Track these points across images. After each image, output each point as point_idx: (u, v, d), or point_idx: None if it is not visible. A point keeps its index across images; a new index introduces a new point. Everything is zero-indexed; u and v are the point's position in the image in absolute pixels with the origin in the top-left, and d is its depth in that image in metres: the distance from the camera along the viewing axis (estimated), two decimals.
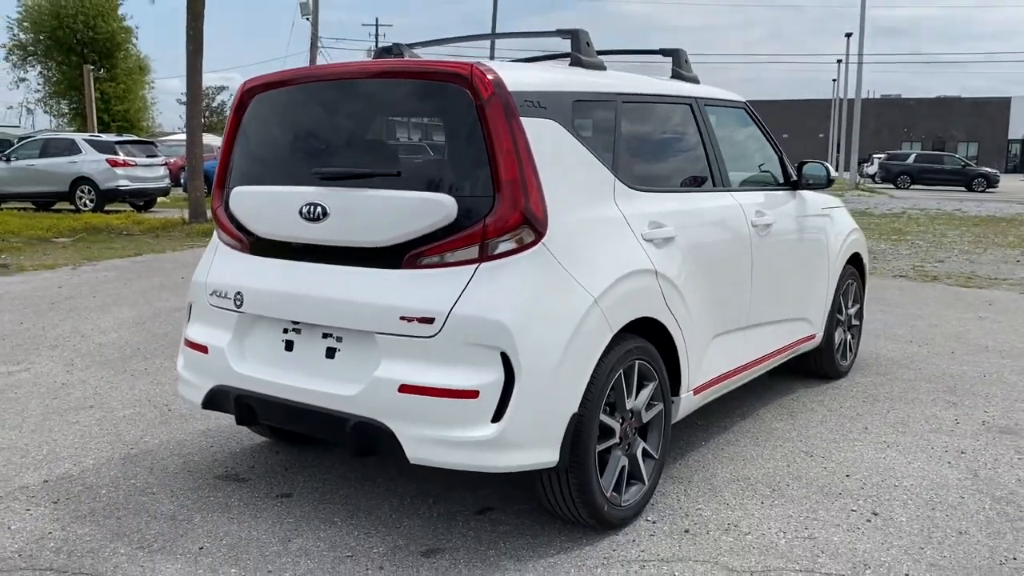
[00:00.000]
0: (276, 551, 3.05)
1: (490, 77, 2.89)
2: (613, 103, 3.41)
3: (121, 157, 18.26)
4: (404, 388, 2.83)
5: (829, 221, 5.02)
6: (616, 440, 3.18)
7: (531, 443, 2.83)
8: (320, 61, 39.29)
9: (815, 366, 5.22)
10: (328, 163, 3.17)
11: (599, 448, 3.09)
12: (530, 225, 2.87)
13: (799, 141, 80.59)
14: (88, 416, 4.56)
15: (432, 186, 2.94)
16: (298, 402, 3.09)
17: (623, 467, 3.22)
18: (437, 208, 2.88)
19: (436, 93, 3.02)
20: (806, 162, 4.72)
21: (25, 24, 45.15)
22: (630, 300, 3.12)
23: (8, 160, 19.10)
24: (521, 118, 2.91)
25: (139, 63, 48.21)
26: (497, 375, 2.78)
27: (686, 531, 3.24)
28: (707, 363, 3.77)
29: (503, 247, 2.86)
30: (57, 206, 19.14)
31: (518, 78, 2.99)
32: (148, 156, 19.13)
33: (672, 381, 3.50)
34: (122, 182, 18.16)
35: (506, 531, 3.21)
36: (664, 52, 4.24)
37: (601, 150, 3.28)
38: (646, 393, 3.32)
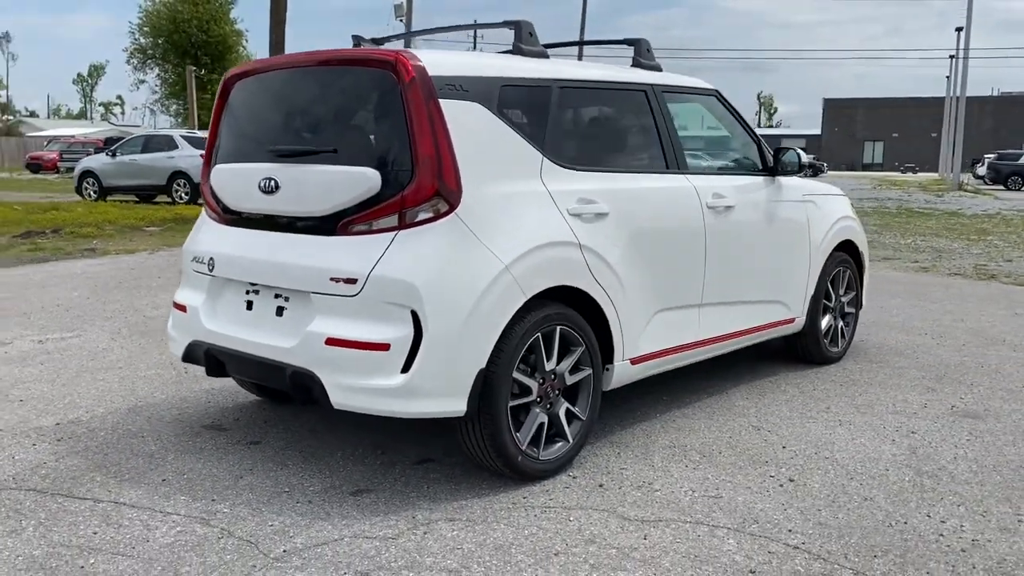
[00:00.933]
0: (226, 485, 3.45)
1: (412, 63, 3.22)
2: (549, 88, 3.67)
3: None
4: (330, 341, 3.18)
5: (813, 207, 5.12)
6: (534, 398, 3.44)
7: (438, 393, 3.13)
8: None
9: (801, 351, 5.32)
10: (281, 142, 3.55)
11: (515, 403, 3.36)
12: (443, 197, 3.17)
13: (909, 141, 77.65)
14: (113, 375, 5.08)
15: (361, 161, 3.28)
16: (253, 355, 3.48)
17: (541, 424, 3.48)
18: (364, 181, 3.22)
19: (368, 78, 3.37)
20: (782, 149, 4.85)
21: (145, 29, 47.83)
22: (546, 269, 3.38)
23: (113, 155, 20.51)
24: (440, 100, 3.22)
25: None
26: (407, 331, 3.10)
27: (600, 485, 3.48)
28: (649, 336, 3.98)
29: (420, 216, 3.18)
30: (158, 199, 20.36)
31: (441, 64, 3.30)
32: None
33: (606, 350, 3.73)
34: None
35: (436, 479, 3.52)
36: (627, 42, 4.46)
37: (531, 131, 3.55)
38: (572, 358, 3.57)
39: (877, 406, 4.61)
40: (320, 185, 3.33)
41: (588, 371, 3.66)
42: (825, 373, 5.27)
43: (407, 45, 4.96)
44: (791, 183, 4.99)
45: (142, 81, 54.43)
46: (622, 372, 3.87)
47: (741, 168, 4.80)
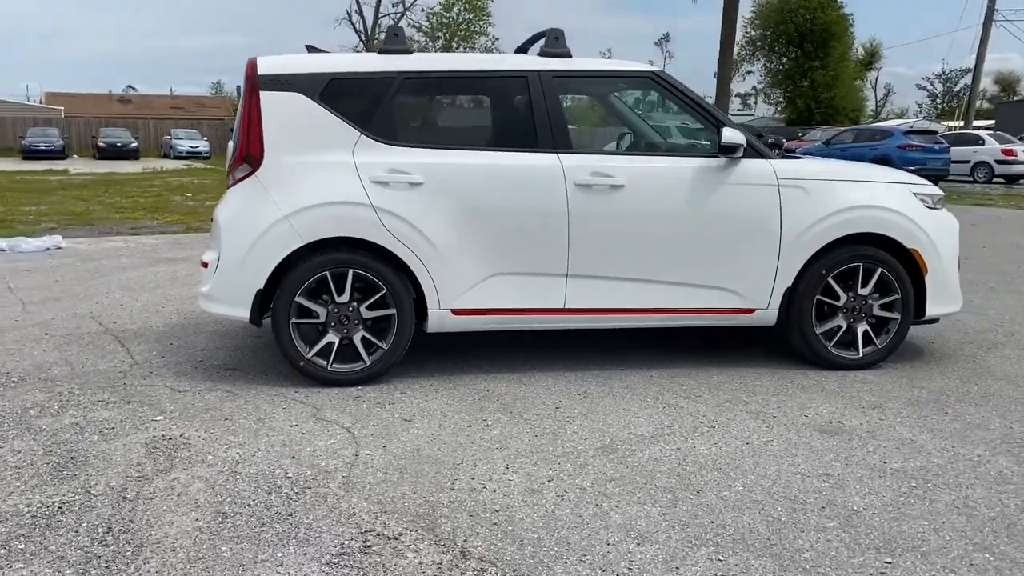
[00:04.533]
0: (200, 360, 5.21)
1: (251, 64, 4.52)
2: (389, 79, 4.56)
3: None
4: (202, 264, 4.71)
5: (794, 193, 4.75)
6: (322, 321, 4.48)
7: (228, 302, 4.45)
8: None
9: (797, 349, 4.98)
10: None
11: (305, 322, 4.46)
12: (248, 163, 4.45)
13: None
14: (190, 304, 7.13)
15: (236, 138, 4.70)
16: None
17: (331, 343, 4.50)
18: (231, 150, 4.66)
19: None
20: (733, 130, 4.69)
21: (756, 22, 50.57)
22: (328, 222, 4.38)
23: (617, 145, 23.29)
24: (261, 92, 4.47)
25: (846, 50, 49.78)
26: (216, 255, 4.49)
27: (357, 397, 4.38)
28: (481, 294, 4.57)
29: (239, 175, 4.51)
30: None
31: (273, 65, 4.53)
32: None
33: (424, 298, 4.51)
34: None
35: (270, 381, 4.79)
36: (538, 35, 4.89)
37: (355, 114, 4.52)
38: (373, 298, 4.49)
39: (754, 405, 4.34)
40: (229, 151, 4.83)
41: (393, 310, 4.51)
42: (789, 370, 4.85)
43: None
44: (755, 167, 4.75)
45: (749, 72, 57.48)
46: (443, 319, 4.57)
47: (674, 150, 4.81)
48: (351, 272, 4.44)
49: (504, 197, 4.55)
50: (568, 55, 4.80)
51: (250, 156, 4.45)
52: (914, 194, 4.94)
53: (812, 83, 48.09)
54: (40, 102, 57.09)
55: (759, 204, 4.74)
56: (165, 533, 2.90)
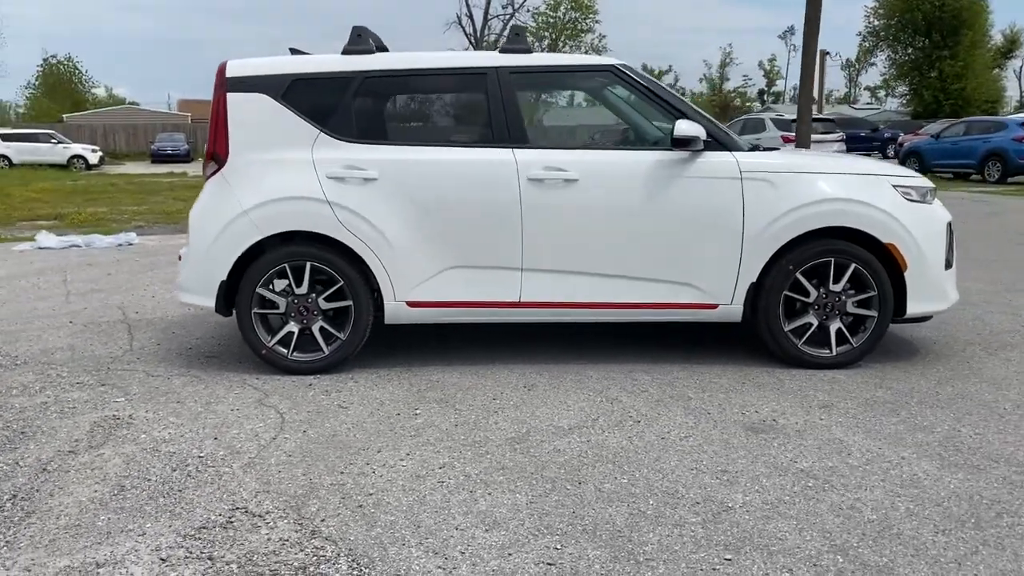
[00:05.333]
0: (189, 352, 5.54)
1: (222, 68, 4.77)
2: (349, 79, 4.72)
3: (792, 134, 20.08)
4: (179, 257, 5.01)
5: (758, 186, 4.62)
6: (282, 311, 4.69)
7: (196, 291, 4.72)
8: None
9: (769, 347, 4.86)
10: None
11: (263, 311, 4.69)
12: (216, 160, 4.71)
13: None
14: None
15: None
16: None
17: (291, 332, 4.70)
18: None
19: None
20: (690, 122, 4.62)
21: (880, 11, 48.66)
22: (284, 216, 4.57)
23: None
24: (228, 93, 4.71)
25: (980, 38, 47.35)
26: (186, 248, 4.77)
27: (310, 385, 4.56)
28: (435, 287, 4.68)
29: (209, 172, 4.77)
30: None
31: (241, 67, 4.75)
32: (823, 132, 20.52)
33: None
34: None
35: (214, 364, 5.03)
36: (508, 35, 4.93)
37: (315, 112, 4.70)
38: (331, 290, 4.67)
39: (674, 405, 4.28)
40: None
41: (349, 302, 4.68)
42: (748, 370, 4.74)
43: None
44: (717, 160, 4.66)
45: (871, 64, 55.30)
46: (397, 311, 4.70)
47: (635, 143, 4.78)
48: (309, 265, 4.62)
49: (457, 192, 4.63)
50: (528, 51, 4.83)
51: (216, 154, 4.69)
52: (894, 186, 4.73)
53: (940, 74, 45.75)
54: (174, 109, 60.57)
55: (720, 197, 4.65)
56: (59, 502, 3.13)
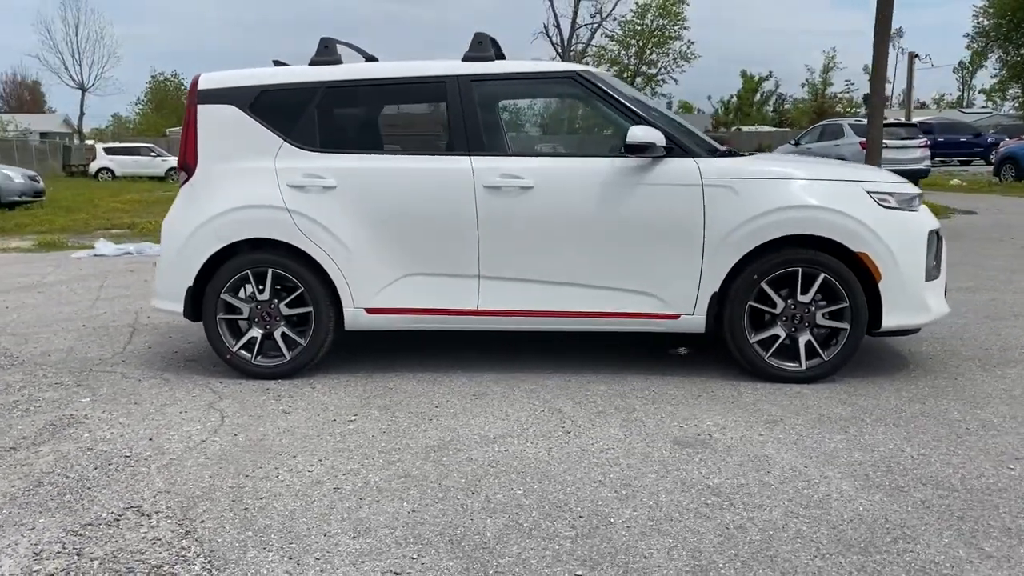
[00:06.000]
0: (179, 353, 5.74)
1: (195, 81, 4.94)
2: (313, 89, 4.81)
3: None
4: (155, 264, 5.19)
5: (721, 194, 4.48)
6: (246, 316, 4.81)
7: (167, 297, 4.88)
8: None
9: (736, 359, 4.71)
10: None
11: (229, 316, 4.81)
12: (185, 170, 4.87)
13: None
14: None
15: None
16: None
17: (254, 337, 4.81)
18: None
19: None
20: (641, 128, 4.51)
21: (990, 11, 46.65)
22: (244, 224, 4.69)
23: (796, 144, 22.18)
24: (199, 105, 4.87)
25: None
26: (161, 255, 4.95)
27: (267, 389, 4.65)
28: (394, 294, 4.71)
29: (181, 181, 4.94)
30: None
31: (212, 80, 4.90)
32: (906, 138, 19.70)
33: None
34: None
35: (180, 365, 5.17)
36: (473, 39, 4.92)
37: (280, 123, 4.81)
38: (292, 296, 4.76)
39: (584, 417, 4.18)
40: None
41: (310, 309, 4.76)
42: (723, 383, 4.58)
43: None
44: (677, 166, 4.54)
45: (981, 66, 53.01)
46: (356, 318, 4.75)
47: (595, 149, 4.71)
48: (271, 271, 4.72)
49: (414, 199, 4.65)
50: (490, 59, 4.81)
51: (185, 164, 4.85)
52: (869, 192, 4.51)
53: None
54: None
55: (679, 204, 4.53)
56: None
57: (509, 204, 4.59)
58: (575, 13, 50.37)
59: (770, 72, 74.98)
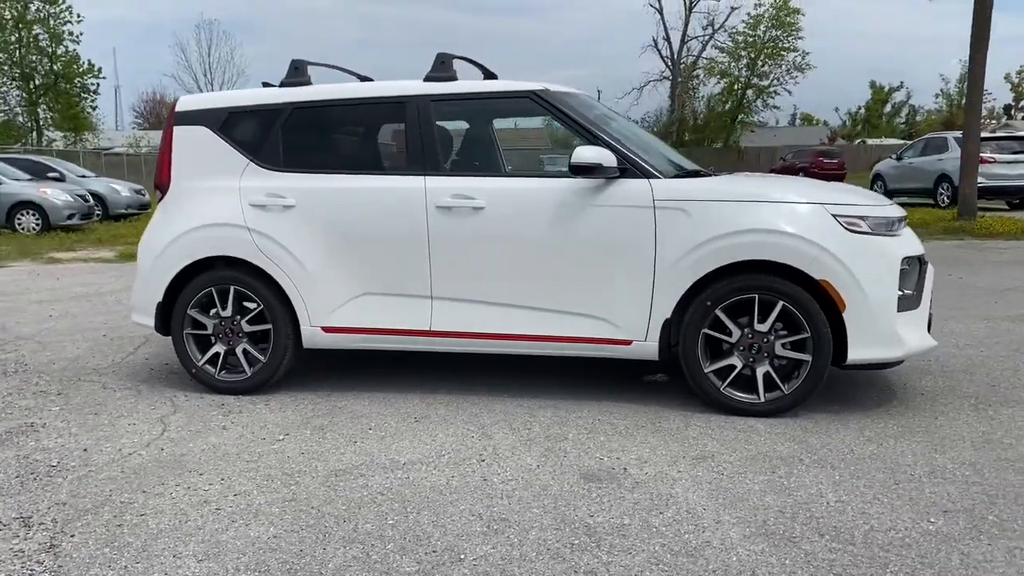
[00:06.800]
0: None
1: (174, 103, 5.12)
2: (278, 110, 4.90)
3: (985, 154, 18.12)
4: None
5: (674, 216, 4.29)
6: (210, 332, 4.93)
7: (142, 311, 5.05)
8: None
9: (693, 390, 4.51)
10: None
11: (195, 332, 4.95)
12: (160, 188, 5.05)
13: None
14: None
15: None
16: None
17: (218, 353, 4.92)
18: None
19: None
20: (584, 150, 4.37)
21: None
22: (207, 242, 4.81)
23: (899, 158, 21.14)
24: (175, 127, 5.04)
25: None
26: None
27: (222, 404, 4.75)
28: (349, 313, 4.74)
29: (159, 200, 5.13)
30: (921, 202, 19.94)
31: (188, 102, 5.07)
32: (1018, 152, 18.48)
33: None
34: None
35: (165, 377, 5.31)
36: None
37: (247, 143, 4.91)
38: (252, 313, 4.86)
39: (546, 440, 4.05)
40: None
41: (269, 326, 4.84)
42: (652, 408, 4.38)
43: None
44: (630, 187, 4.38)
45: None
46: (313, 336, 4.79)
47: (549, 170, 4.61)
48: (232, 289, 4.82)
49: (368, 219, 4.66)
50: (452, 79, 4.78)
51: (160, 183, 5.01)
52: (836, 216, 4.22)
53: None
54: None
55: (630, 227, 4.37)
56: None
57: (460, 225, 4.53)
58: (685, 25, 49.70)
59: (901, 82, 71.71)
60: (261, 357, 4.84)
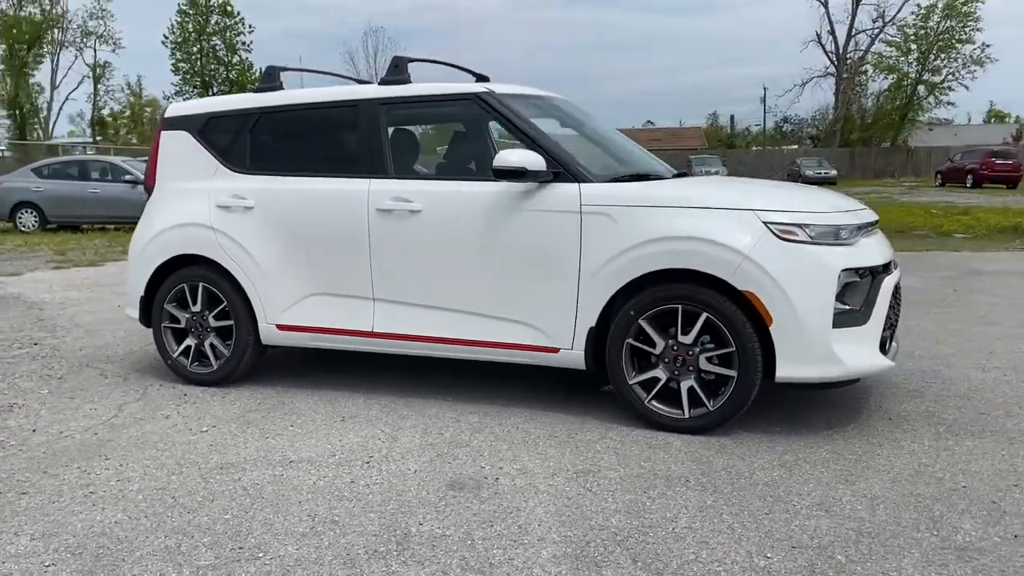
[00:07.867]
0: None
1: (165, 109, 5.45)
2: (249, 115, 5.11)
3: None
4: None
5: (599, 221, 4.15)
6: (183, 327, 5.22)
7: (130, 305, 5.42)
8: None
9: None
10: None
11: (173, 326, 5.25)
12: (147, 189, 5.39)
13: None
14: None
15: None
16: None
17: (189, 347, 5.20)
18: None
19: None
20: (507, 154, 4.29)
21: None
22: (178, 241, 5.08)
23: None
24: (162, 131, 5.37)
25: None
26: None
27: (184, 395, 5.02)
28: (300, 312, 4.88)
29: (146, 199, 5.47)
30: None
31: (176, 109, 5.37)
32: None
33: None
34: None
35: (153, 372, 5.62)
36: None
37: (221, 146, 5.16)
38: (217, 309, 5.10)
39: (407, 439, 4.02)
40: None
41: (231, 322, 5.07)
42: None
43: None
44: (559, 192, 4.26)
45: None
46: (268, 333, 4.97)
47: (486, 173, 4.58)
48: (201, 285, 5.07)
49: (316, 221, 4.78)
50: (406, 82, 4.81)
51: (147, 185, 5.34)
52: (767, 223, 3.95)
53: None
54: None
55: (557, 232, 4.26)
56: None
57: (398, 227, 4.57)
58: (852, 19, 47.23)
59: None
60: (226, 352, 5.06)
